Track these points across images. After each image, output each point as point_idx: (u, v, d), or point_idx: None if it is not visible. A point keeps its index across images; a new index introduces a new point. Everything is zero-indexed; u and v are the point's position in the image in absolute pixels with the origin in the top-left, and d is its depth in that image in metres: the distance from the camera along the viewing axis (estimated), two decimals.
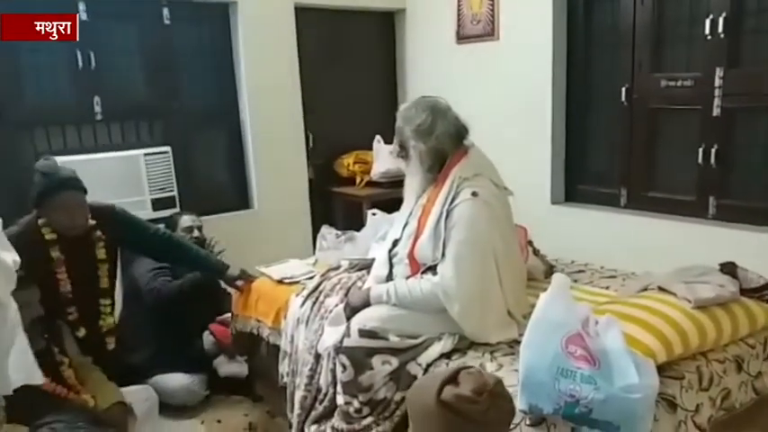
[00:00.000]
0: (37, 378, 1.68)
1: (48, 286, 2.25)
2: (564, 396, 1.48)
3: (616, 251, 3.12)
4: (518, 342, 1.85)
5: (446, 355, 1.90)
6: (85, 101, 3.35)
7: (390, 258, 2.07)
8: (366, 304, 2.01)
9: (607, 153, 3.64)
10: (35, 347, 2.06)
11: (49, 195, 2.30)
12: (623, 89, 3.37)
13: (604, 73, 3.54)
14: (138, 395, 2.52)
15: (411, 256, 1.97)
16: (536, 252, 2.56)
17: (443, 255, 1.88)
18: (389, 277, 2.06)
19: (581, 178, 3.73)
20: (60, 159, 3.12)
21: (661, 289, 1.95)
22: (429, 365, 1.88)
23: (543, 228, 2.85)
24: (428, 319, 1.93)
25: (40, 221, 2.35)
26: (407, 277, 1.99)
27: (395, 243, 2.08)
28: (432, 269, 1.92)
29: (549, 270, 2.49)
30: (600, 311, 1.78)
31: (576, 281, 2.39)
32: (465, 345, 1.94)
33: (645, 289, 2.03)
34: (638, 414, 1.46)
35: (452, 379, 1.19)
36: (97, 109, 3.37)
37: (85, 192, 2.42)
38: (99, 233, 2.46)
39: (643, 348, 1.64)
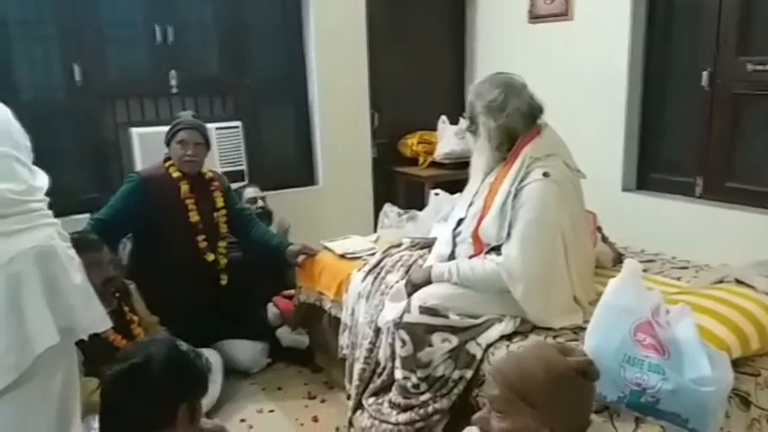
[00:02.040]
0: (107, 323, 1.78)
1: (179, 215, 2.75)
2: (629, 384, 1.45)
3: (689, 242, 2.99)
4: (582, 329, 1.82)
5: (507, 337, 1.89)
6: (162, 74, 3.47)
7: (454, 237, 2.05)
8: (427, 282, 2.01)
9: (683, 140, 3.47)
10: (107, 307, 2.20)
11: (173, 131, 2.79)
12: (705, 73, 3.20)
13: (685, 56, 3.37)
14: (211, 354, 2.64)
15: (475, 235, 1.96)
16: (605, 239, 2.49)
17: (509, 235, 1.86)
18: (452, 256, 2.05)
19: (654, 166, 3.58)
20: (137, 131, 3.29)
21: (738, 282, 1.87)
22: (489, 346, 1.87)
23: (612, 215, 2.76)
24: (490, 299, 1.91)
25: (167, 163, 2.82)
26: (470, 257, 1.97)
27: (459, 222, 2.06)
28: (496, 249, 1.90)
29: (618, 258, 2.41)
30: (672, 301, 1.71)
31: (645, 270, 2.30)
32: (527, 328, 1.91)
33: (720, 281, 1.95)
34: (708, 408, 1.40)
35: (562, 350, 1.19)
36: (173, 83, 3.49)
37: (206, 141, 2.87)
38: (217, 184, 2.92)
39: (717, 341, 1.58)
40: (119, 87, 3.42)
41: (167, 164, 2.83)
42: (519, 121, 1.95)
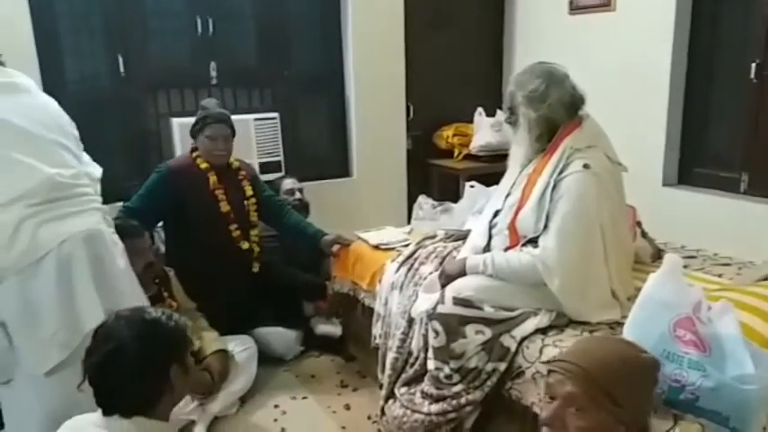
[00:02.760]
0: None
1: (210, 206, 2.78)
2: (668, 380, 1.42)
3: (732, 239, 2.90)
4: (620, 324, 1.80)
5: (542, 331, 1.87)
6: (202, 66, 3.53)
7: (490, 229, 2.04)
8: (461, 273, 2.00)
9: (728, 134, 3.37)
10: (147, 292, 2.27)
11: (202, 126, 2.80)
12: (753, 65, 3.09)
13: (732, 47, 3.26)
14: (238, 343, 2.70)
15: (512, 227, 1.94)
16: (644, 234, 2.44)
17: (546, 227, 1.84)
18: (487, 248, 2.03)
19: (697, 160, 3.48)
20: (177, 121, 3.36)
21: None
22: (524, 339, 1.86)
23: (652, 210, 2.70)
24: (525, 292, 1.90)
25: (194, 154, 2.84)
26: (506, 249, 1.96)
27: (495, 213, 2.05)
28: (532, 242, 1.88)
29: (657, 253, 2.36)
30: (713, 297, 1.67)
31: (686, 266, 2.24)
32: (563, 322, 1.89)
33: (765, 278, 1.89)
34: (751, 406, 1.37)
35: (630, 345, 1.17)
36: (213, 74, 3.55)
37: (232, 130, 2.89)
38: (245, 173, 2.95)
39: (760, 339, 1.54)
40: (160, 78, 3.49)
41: (194, 155, 2.85)
42: (560, 112, 1.91)
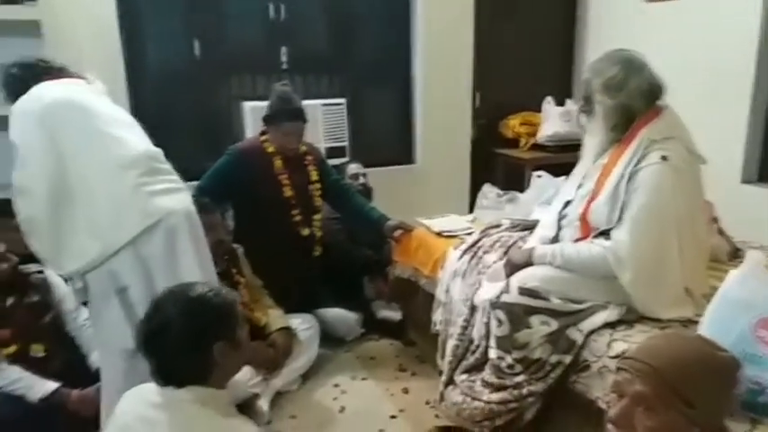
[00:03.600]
0: None
1: (274, 190, 2.83)
2: (747, 382, 1.37)
3: None
4: (693, 322, 1.74)
5: (610, 325, 1.83)
6: (274, 50, 3.61)
7: (559, 220, 2.00)
8: (528, 263, 1.98)
9: None
10: (217, 268, 2.37)
11: (279, 119, 2.81)
12: None
13: None
14: (302, 322, 2.77)
15: (583, 218, 1.89)
16: (721, 231, 2.34)
17: (620, 219, 1.79)
18: (556, 239, 2.00)
19: None
20: (249, 104, 3.45)
21: None
22: (591, 333, 1.83)
23: (729, 208, 2.57)
24: (594, 285, 1.86)
25: (262, 137, 2.87)
26: (576, 240, 1.92)
27: (566, 204, 2.01)
28: (604, 234, 1.84)
29: (734, 252, 2.26)
30: None
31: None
32: (632, 317, 1.84)
33: None
34: None
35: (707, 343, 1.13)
36: (283, 59, 3.63)
37: (306, 122, 2.91)
38: (312, 157, 2.97)
39: None
40: (233, 62, 3.59)
41: (263, 138, 2.89)
42: (638, 101, 1.85)
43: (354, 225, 3.14)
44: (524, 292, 1.90)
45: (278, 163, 2.86)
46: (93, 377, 2.24)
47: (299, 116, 2.85)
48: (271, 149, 2.86)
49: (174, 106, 3.52)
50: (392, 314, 3.10)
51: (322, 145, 3.61)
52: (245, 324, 1.43)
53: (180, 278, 1.72)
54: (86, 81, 1.94)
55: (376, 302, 3.16)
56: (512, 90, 4.23)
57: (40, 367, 2.22)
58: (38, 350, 2.27)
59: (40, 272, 2.37)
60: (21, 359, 2.21)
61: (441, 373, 2.28)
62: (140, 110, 3.30)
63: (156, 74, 3.47)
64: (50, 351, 2.30)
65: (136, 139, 1.85)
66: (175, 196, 1.83)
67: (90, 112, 1.79)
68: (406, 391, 2.60)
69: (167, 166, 1.92)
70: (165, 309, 1.32)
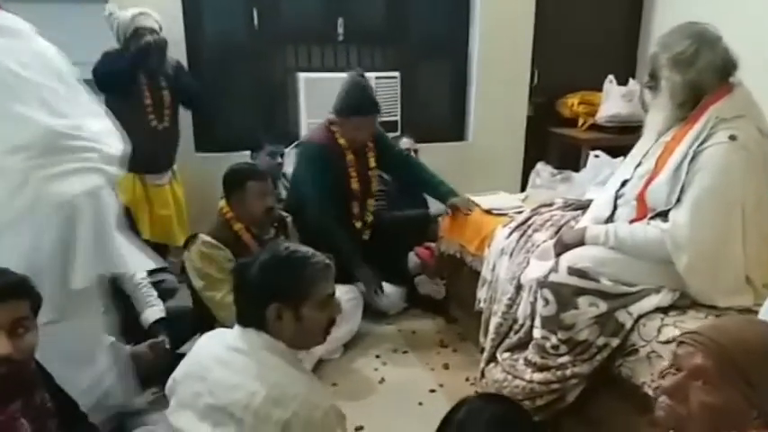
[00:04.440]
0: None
1: (341, 182, 2.81)
2: None
3: None
4: (751, 311, 1.67)
5: (662, 310, 1.76)
6: (330, 22, 3.60)
7: (615, 199, 1.93)
8: (579, 243, 1.92)
9: None
10: (265, 235, 2.44)
11: (355, 114, 2.73)
12: None
13: None
14: (346, 292, 2.78)
15: (641, 198, 1.82)
16: None
17: (679, 200, 1.71)
18: (610, 220, 1.93)
19: None
20: (304, 75, 3.46)
21: None
22: (641, 317, 1.77)
23: None
24: (648, 268, 1.79)
25: (333, 128, 2.80)
26: (632, 221, 1.85)
27: (623, 183, 1.93)
28: (662, 215, 1.76)
29: None
30: None
31: None
32: (686, 303, 1.77)
33: None
34: None
35: None
36: (340, 30, 3.62)
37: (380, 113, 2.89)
38: (371, 145, 2.91)
39: None
40: (290, 33, 3.60)
41: (333, 129, 2.82)
42: (709, 77, 1.74)
43: (399, 202, 3.11)
44: (574, 272, 1.85)
45: (350, 157, 2.82)
46: (145, 335, 2.35)
47: (374, 109, 2.79)
48: (342, 142, 2.81)
49: (232, 77, 3.57)
50: (435, 290, 3.09)
51: None
52: (324, 307, 1.40)
53: (72, 264, 1.66)
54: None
55: (420, 277, 3.15)
56: (572, 68, 4.10)
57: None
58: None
59: None
60: None
61: (482, 350, 2.27)
62: (199, 81, 3.36)
63: (215, 45, 3.52)
64: (108, 308, 2.40)
65: (39, 115, 1.65)
66: (79, 179, 1.68)
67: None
68: (446, 366, 2.59)
69: (82, 141, 1.74)
70: (264, 252, 1.40)
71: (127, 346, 2.28)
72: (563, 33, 4.05)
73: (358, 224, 2.92)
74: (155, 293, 2.51)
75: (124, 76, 2.84)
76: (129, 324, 2.41)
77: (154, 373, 2.26)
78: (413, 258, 3.20)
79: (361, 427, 2.15)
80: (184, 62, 3.27)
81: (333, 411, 1.29)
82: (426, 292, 3.13)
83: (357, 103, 2.73)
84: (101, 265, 1.70)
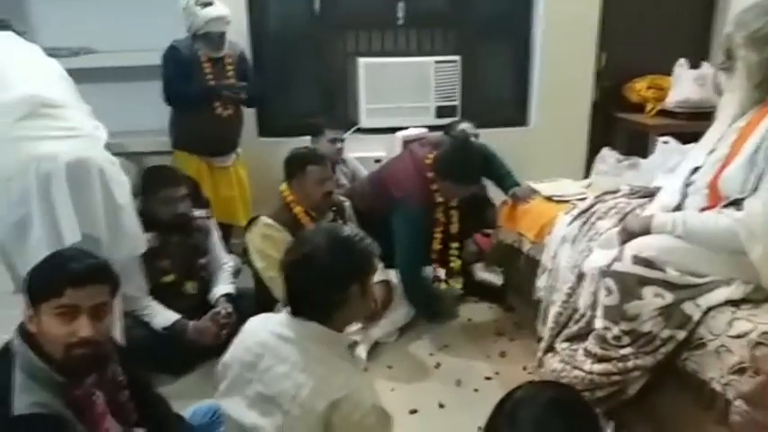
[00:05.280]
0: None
1: (428, 238, 2.76)
2: None
3: None
4: None
5: (733, 303, 1.68)
6: (391, 6, 3.59)
7: (685, 187, 1.85)
8: (645, 232, 1.85)
9: None
10: (323, 218, 2.52)
11: (458, 180, 2.62)
12: None
13: None
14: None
15: (713, 185, 1.73)
16: None
17: (756, 188, 1.61)
18: (679, 208, 1.85)
19: None
20: (363, 60, 3.47)
21: None
22: (710, 309, 1.69)
23: None
24: (718, 258, 1.70)
25: (433, 186, 2.68)
26: (702, 209, 1.77)
27: (694, 170, 1.84)
28: (735, 204, 1.67)
29: None
30: None
31: None
32: (760, 296, 1.68)
33: None
34: None
35: None
36: (400, 14, 3.60)
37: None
38: None
39: None
40: (350, 18, 3.61)
41: (434, 188, 2.71)
42: None
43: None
44: (639, 261, 1.78)
45: (440, 215, 2.77)
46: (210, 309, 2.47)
47: (477, 181, 2.75)
48: (440, 200, 2.73)
49: (293, 63, 3.62)
50: (492, 277, 3.06)
51: (432, 103, 3.58)
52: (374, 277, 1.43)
53: (58, 227, 1.73)
54: (14, 31, 1.99)
55: (477, 264, 3.13)
56: (641, 51, 3.92)
57: (190, 303, 2.49)
58: (191, 287, 2.52)
59: (207, 217, 2.61)
60: (176, 293, 2.48)
61: (540, 339, 2.23)
62: (261, 66, 3.43)
63: (277, 29, 3.57)
64: (199, 290, 2.54)
65: (22, 84, 1.82)
66: (59, 143, 1.78)
67: None
68: (503, 354, 2.58)
69: (66, 113, 1.87)
70: (314, 241, 1.36)
71: (191, 322, 2.39)
72: (632, 14, 3.88)
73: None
74: (232, 277, 2.64)
75: (197, 99, 2.98)
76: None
77: (215, 347, 2.36)
78: (470, 245, 3.18)
79: (415, 411, 2.16)
80: (248, 48, 3.34)
81: (375, 412, 1.25)
82: (482, 278, 3.10)
83: (466, 173, 2.63)
84: (86, 227, 1.75)
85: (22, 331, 1.28)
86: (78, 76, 3.12)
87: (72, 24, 3.30)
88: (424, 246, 2.76)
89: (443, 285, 2.90)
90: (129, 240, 1.96)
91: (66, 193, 1.73)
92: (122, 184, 1.92)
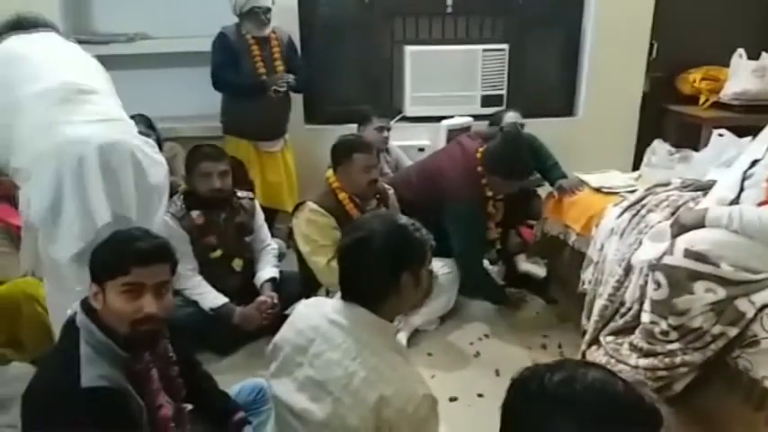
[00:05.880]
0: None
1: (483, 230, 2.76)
2: None
3: None
4: None
5: None
6: None
7: (743, 180, 1.80)
8: (699, 225, 1.81)
9: None
10: (367, 206, 2.53)
11: (511, 176, 2.61)
12: None
13: None
14: (443, 266, 2.80)
15: None
16: None
17: None
18: (735, 202, 1.81)
19: None
20: (410, 48, 3.46)
21: None
22: (765, 307, 1.65)
23: None
24: None
25: (483, 180, 2.66)
26: (760, 204, 1.72)
27: (753, 163, 1.79)
28: None
29: None
30: None
31: None
32: None
33: None
34: None
35: None
36: (449, 2, 3.56)
37: None
38: None
39: None
40: (399, 5, 3.59)
41: (483, 180, 2.69)
42: None
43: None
44: (691, 255, 1.75)
45: (491, 209, 2.75)
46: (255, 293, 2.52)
47: (526, 178, 2.73)
48: (490, 194, 2.70)
49: (341, 50, 3.63)
50: (534, 269, 3.03)
51: (478, 92, 3.55)
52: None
53: (89, 209, 1.77)
54: (54, 31, 2.07)
55: (519, 255, 3.10)
56: (696, 40, 3.79)
57: (237, 280, 2.57)
58: (238, 265, 2.60)
59: (251, 198, 2.68)
60: (224, 269, 2.55)
61: (584, 333, 2.21)
62: (309, 52, 3.46)
63: (327, 16, 3.58)
64: (245, 268, 2.60)
65: (56, 74, 1.89)
66: (91, 126, 1.82)
67: (18, 57, 1.90)
68: (544, 346, 2.56)
69: (100, 99, 1.93)
70: (369, 225, 1.37)
71: (238, 308, 2.46)
72: (686, 2, 3.76)
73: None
74: (276, 260, 2.69)
75: (245, 91, 3.06)
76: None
77: (260, 330, 2.43)
78: (513, 237, 3.15)
79: (455, 398, 2.17)
80: (297, 35, 3.36)
81: (427, 402, 1.26)
82: (525, 270, 3.08)
83: (519, 169, 2.62)
84: (117, 208, 1.81)
85: (86, 307, 1.33)
86: (134, 61, 3.27)
87: (128, 11, 3.39)
88: (482, 238, 2.75)
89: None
90: (160, 220, 2.01)
91: (98, 175, 1.78)
92: (157, 165, 1.97)
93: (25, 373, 1.98)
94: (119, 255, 1.31)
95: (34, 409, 1.27)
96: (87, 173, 1.76)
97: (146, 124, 2.71)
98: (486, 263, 2.94)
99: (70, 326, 1.33)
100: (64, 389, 1.22)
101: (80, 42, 2.19)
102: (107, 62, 2.14)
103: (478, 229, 2.72)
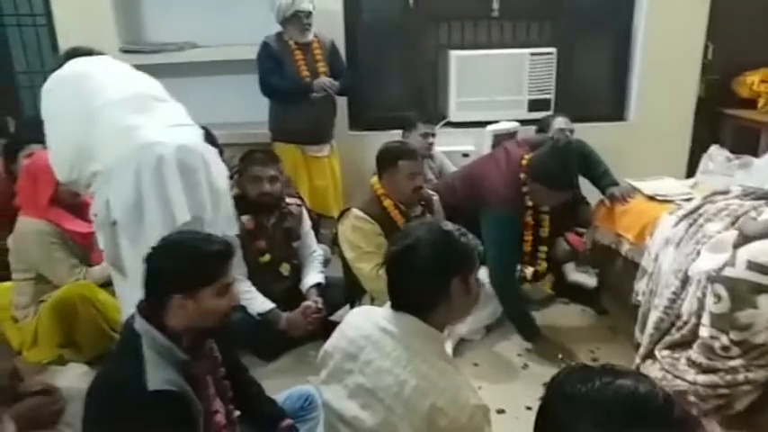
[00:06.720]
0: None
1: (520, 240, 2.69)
2: None
3: None
4: None
5: None
6: None
7: None
8: (763, 236, 1.72)
9: None
10: (413, 212, 2.52)
11: (555, 186, 2.48)
12: None
13: None
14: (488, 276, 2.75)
15: None
16: None
17: None
18: None
19: None
20: (455, 53, 3.43)
21: None
22: None
23: None
24: None
25: (525, 188, 2.58)
26: None
27: None
28: None
29: None
30: None
31: None
32: None
33: None
34: None
35: None
36: (495, 6, 3.53)
37: None
38: None
39: None
40: (445, 10, 3.57)
41: (525, 188, 2.61)
42: None
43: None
44: (754, 267, 1.67)
45: (528, 219, 2.69)
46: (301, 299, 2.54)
47: (571, 190, 2.61)
48: (530, 203, 2.64)
49: (386, 55, 3.63)
50: (585, 279, 2.94)
51: (525, 96, 3.49)
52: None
53: (169, 207, 1.83)
54: (106, 56, 2.19)
55: (568, 264, 3.02)
56: (754, 42, 3.65)
57: (285, 285, 2.60)
58: (285, 269, 2.64)
59: (299, 204, 2.72)
60: (272, 274, 2.59)
61: (637, 346, 2.14)
62: (353, 58, 3.47)
63: (371, 21, 3.59)
64: (293, 273, 2.63)
65: (122, 85, 2.00)
66: (169, 130, 1.92)
67: (82, 74, 2.00)
68: (594, 360, 2.47)
69: (173, 106, 2.05)
70: (416, 233, 1.36)
71: (284, 313, 2.47)
72: (744, 2, 3.62)
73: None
74: (322, 266, 2.71)
75: (290, 93, 3.11)
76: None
77: (305, 336, 2.44)
78: (561, 244, 3.07)
79: (503, 411, 2.13)
80: (342, 40, 3.38)
81: (480, 411, 1.24)
82: (574, 279, 3.00)
83: (564, 180, 2.50)
84: (194, 209, 1.89)
85: (145, 313, 1.37)
86: (183, 69, 3.34)
87: (178, 21, 3.48)
88: (515, 249, 2.68)
89: (528, 285, 2.82)
90: (225, 222, 2.09)
91: (176, 177, 1.87)
92: (220, 171, 2.08)
93: (82, 373, 2.03)
94: (218, 262, 1.41)
95: (98, 410, 1.31)
96: (166, 171, 1.86)
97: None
98: (529, 272, 2.87)
99: (131, 331, 1.37)
100: (131, 391, 1.27)
101: (133, 52, 2.29)
102: (158, 70, 2.22)
103: (513, 237, 2.62)
